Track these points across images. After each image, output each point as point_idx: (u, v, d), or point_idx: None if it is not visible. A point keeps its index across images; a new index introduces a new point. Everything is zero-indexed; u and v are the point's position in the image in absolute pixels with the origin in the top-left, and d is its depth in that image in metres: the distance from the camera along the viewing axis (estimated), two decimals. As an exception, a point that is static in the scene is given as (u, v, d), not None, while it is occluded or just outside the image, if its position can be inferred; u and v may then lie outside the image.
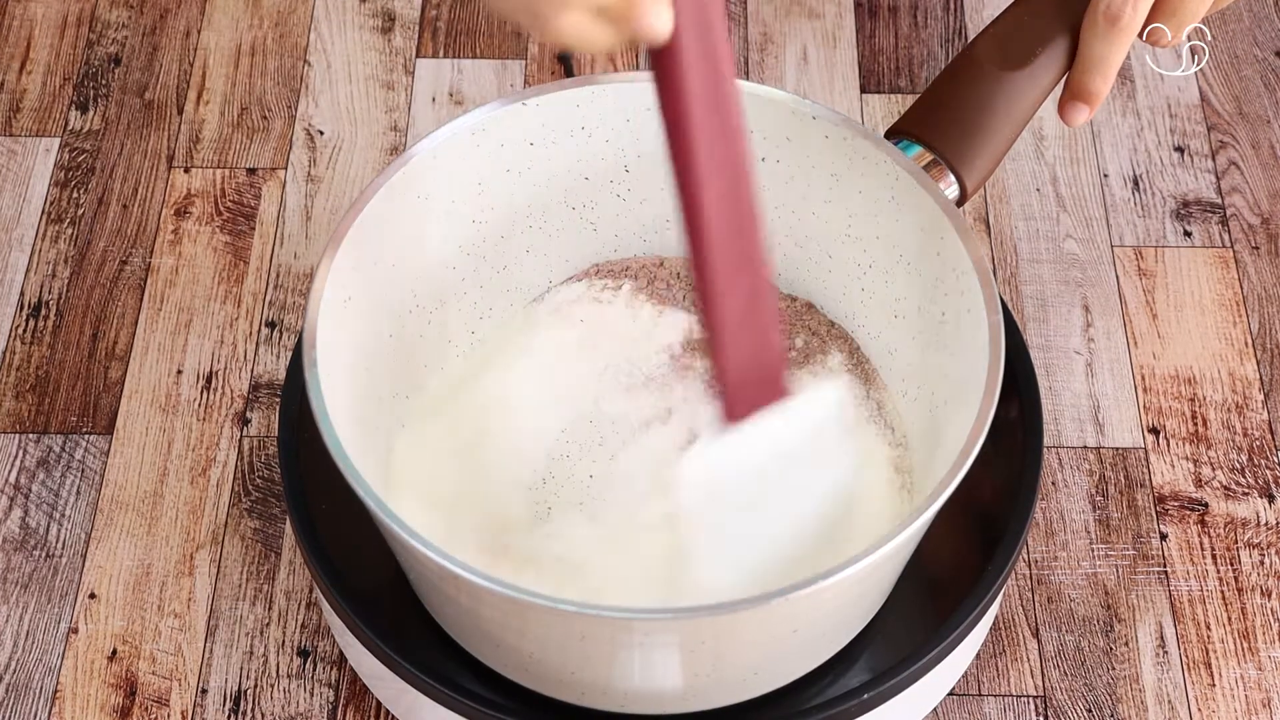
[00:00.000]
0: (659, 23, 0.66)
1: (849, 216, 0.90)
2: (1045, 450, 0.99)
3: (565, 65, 1.17)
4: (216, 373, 1.03)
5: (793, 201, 0.91)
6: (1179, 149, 1.13)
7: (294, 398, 0.88)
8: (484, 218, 0.91)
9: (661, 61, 0.68)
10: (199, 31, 1.19)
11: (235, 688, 0.92)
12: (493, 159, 0.89)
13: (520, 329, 0.93)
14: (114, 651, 0.93)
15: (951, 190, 0.86)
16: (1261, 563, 0.96)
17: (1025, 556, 0.96)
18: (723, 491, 0.77)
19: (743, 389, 0.75)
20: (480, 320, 0.93)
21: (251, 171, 1.12)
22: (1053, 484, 0.99)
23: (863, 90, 1.16)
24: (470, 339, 0.93)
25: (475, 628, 0.81)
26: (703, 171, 0.69)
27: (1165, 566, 0.96)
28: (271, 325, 1.05)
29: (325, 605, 0.89)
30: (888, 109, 1.15)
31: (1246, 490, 0.99)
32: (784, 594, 0.74)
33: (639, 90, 0.89)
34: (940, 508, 0.77)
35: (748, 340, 0.74)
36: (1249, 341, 1.05)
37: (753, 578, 0.79)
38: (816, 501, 0.81)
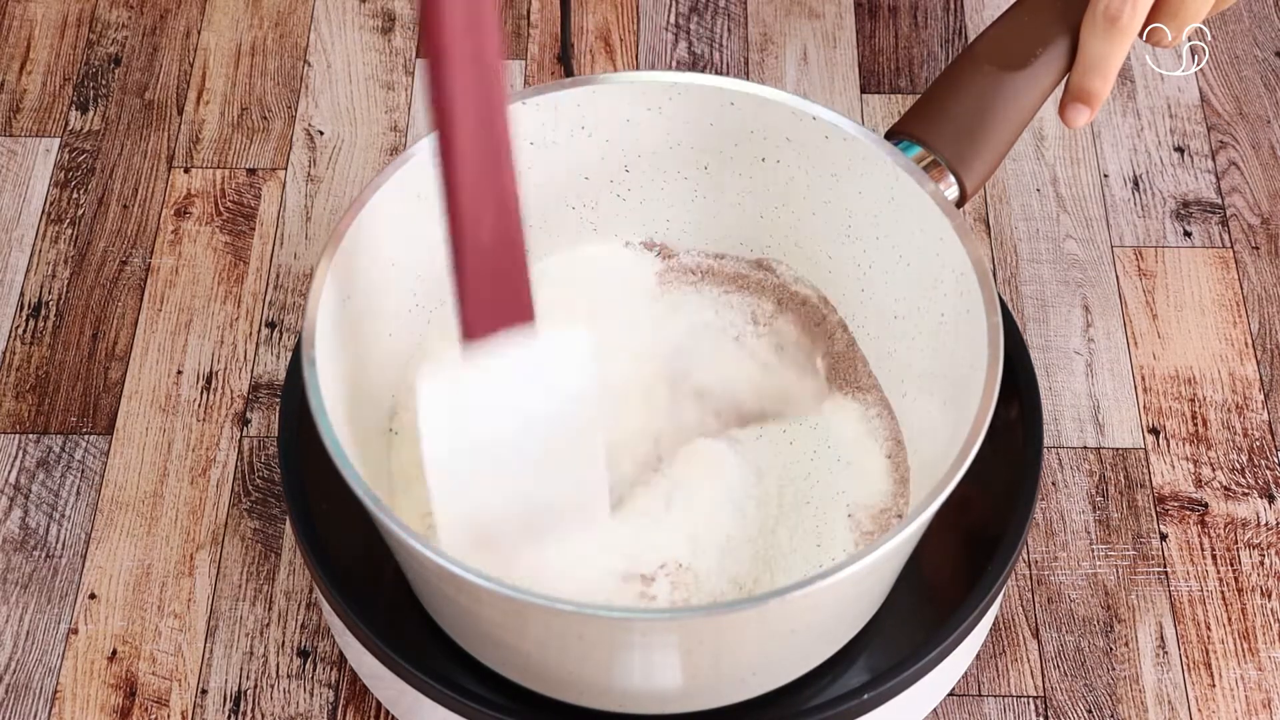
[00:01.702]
0: None
1: (848, 217, 0.90)
2: (1045, 451, 0.99)
3: (565, 65, 1.17)
4: (216, 373, 1.03)
5: (793, 202, 0.91)
6: (1179, 149, 1.13)
7: (294, 398, 0.88)
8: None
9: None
10: (199, 32, 1.19)
11: (235, 688, 0.92)
12: None
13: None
14: (114, 652, 0.93)
15: (951, 191, 0.86)
16: (1261, 563, 0.96)
17: (1025, 557, 0.96)
18: (459, 426, 0.78)
19: (483, 302, 0.75)
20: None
21: (251, 172, 1.12)
22: (1052, 484, 0.99)
23: (863, 90, 1.16)
24: None
25: (474, 628, 0.81)
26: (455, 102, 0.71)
27: (1165, 567, 0.96)
28: (272, 325, 1.05)
29: (325, 605, 0.89)
30: (888, 109, 1.15)
31: (1246, 491, 0.99)
32: (781, 594, 0.74)
33: (639, 90, 0.89)
34: (940, 509, 0.77)
35: (489, 252, 0.74)
36: (1249, 342, 1.05)
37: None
38: (556, 460, 0.80)
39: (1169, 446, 1.00)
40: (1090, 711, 0.91)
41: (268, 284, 1.07)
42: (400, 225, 0.87)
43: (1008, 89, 0.86)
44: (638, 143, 0.91)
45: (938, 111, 0.87)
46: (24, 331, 1.05)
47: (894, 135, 0.87)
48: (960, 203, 0.86)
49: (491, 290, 0.75)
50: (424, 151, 0.86)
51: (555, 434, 0.81)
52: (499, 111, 0.72)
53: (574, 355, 0.79)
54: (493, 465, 0.80)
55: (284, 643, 0.93)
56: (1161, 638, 0.94)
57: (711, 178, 0.92)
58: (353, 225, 0.84)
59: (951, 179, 0.86)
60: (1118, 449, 1.00)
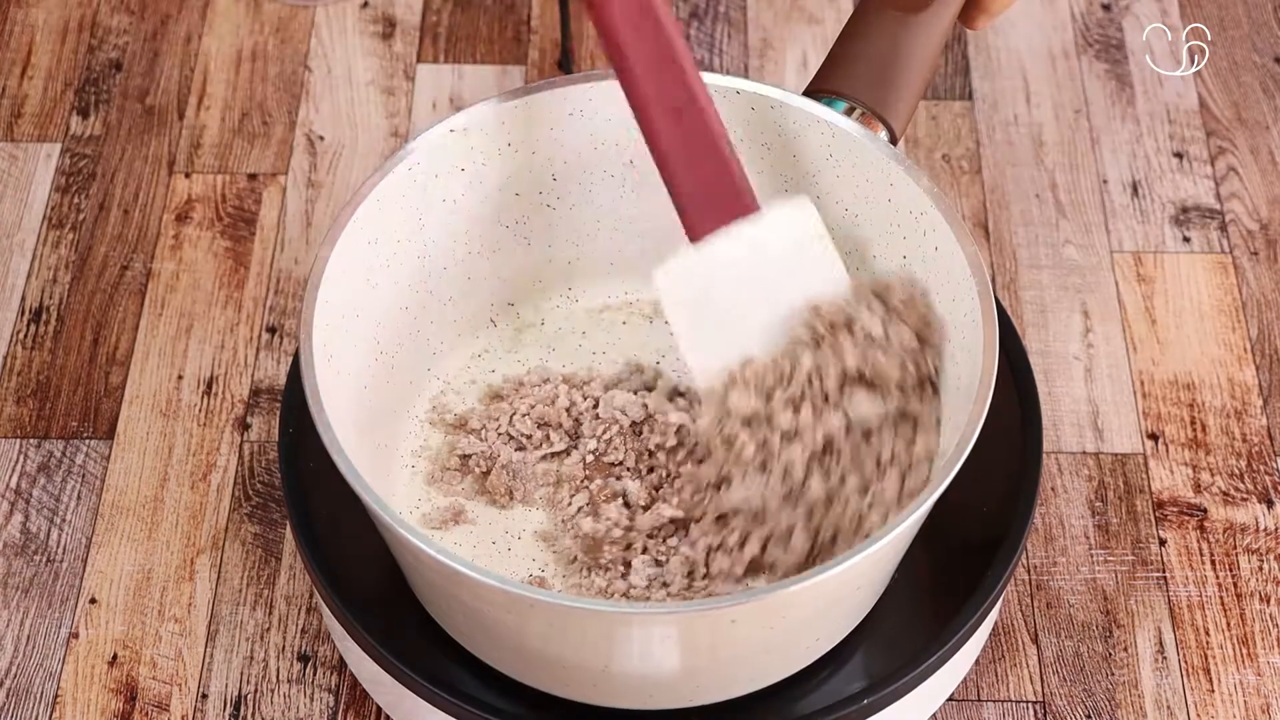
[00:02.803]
0: None
1: (784, 183, 0.90)
2: (1044, 456, 0.99)
3: (566, 71, 1.17)
4: (217, 378, 1.03)
5: None
6: (1178, 155, 1.13)
7: (294, 402, 0.88)
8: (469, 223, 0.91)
9: None
10: (200, 37, 1.19)
11: (235, 693, 0.92)
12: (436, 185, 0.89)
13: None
14: (114, 656, 0.93)
15: (882, 136, 0.87)
16: (1260, 568, 0.96)
17: (1024, 562, 0.96)
18: (704, 299, 0.82)
19: (699, 203, 0.80)
20: (487, 315, 0.94)
21: (252, 177, 1.12)
22: (1052, 489, 0.99)
23: (862, 96, 1.16)
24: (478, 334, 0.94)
25: (475, 625, 0.82)
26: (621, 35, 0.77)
27: (1164, 572, 0.96)
28: (272, 330, 1.05)
29: (325, 610, 0.89)
30: (887, 115, 1.15)
31: (1245, 496, 0.99)
32: (777, 589, 0.74)
33: (560, 97, 0.89)
34: (939, 513, 0.77)
35: (693, 157, 0.80)
36: (1248, 347, 1.05)
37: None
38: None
39: (1168, 452, 1.00)
40: (1089, 717, 0.91)
41: (268, 289, 1.07)
42: (396, 225, 0.87)
43: (914, 31, 0.87)
44: (562, 149, 0.91)
45: (851, 64, 0.88)
46: (25, 336, 1.05)
47: (813, 94, 0.88)
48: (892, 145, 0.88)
49: (705, 193, 0.80)
50: (418, 149, 0.86)
51: (799, 298, 0.84)
52: (671, 35, 0.77)
53: (798, 220, 0.83)
54: (740, 335, 0.83)
55: (284, 647, 0.93)
56: (1160, 643, 0.94)
57: (638, 170, 0.92)
58: (350, 223, 0.84)
59: (880, 125, 0.87)
60: (1117, 454, 1.00)
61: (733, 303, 0.83)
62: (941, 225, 0.84)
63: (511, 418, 0.90)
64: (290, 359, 1.02)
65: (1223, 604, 0.95)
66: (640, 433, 0.89)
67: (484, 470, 0.90)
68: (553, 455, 0.90)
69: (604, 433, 0.89)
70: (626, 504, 0.87)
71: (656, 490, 0.88)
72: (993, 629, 0.94)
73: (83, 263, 1.08)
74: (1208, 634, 0.94)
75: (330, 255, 0.83)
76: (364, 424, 0.86)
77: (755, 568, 0.83)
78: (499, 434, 0.90)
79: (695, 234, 0.82)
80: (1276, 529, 0.98)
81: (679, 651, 0.79)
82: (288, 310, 1.06)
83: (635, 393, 0.91)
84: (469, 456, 0.90)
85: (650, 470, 0.88)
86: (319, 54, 1.18)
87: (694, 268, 0.83)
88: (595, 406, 0.90)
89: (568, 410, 0.90)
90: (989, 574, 0.85)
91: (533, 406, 0.91)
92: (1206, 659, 0.93)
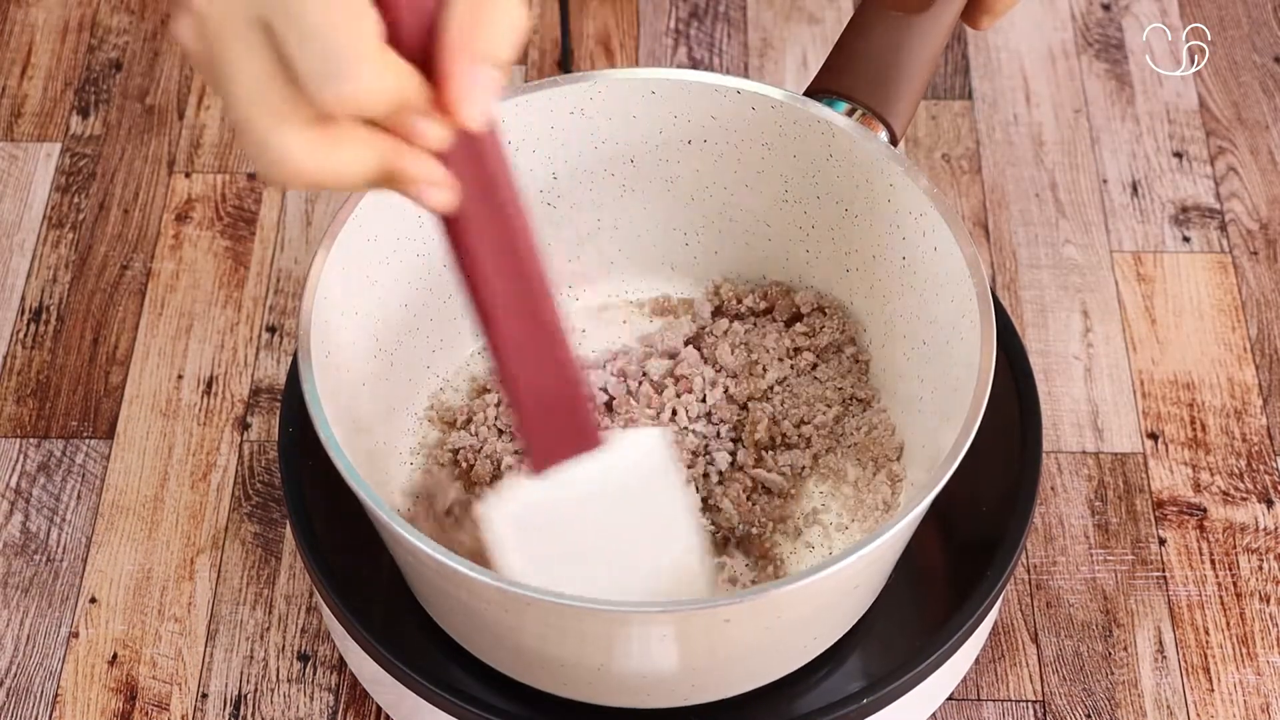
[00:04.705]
0: (438, 201, 0.65)
1: (784, 182, 0.90)
2: (1044, 455, 0.99)
3: (565, 71, 1.17)
4: (217, 377, 1.03)
5: (723, 179, 0.92)
6: (1178, 154, 1.13)
7: (294, 401, 0.88)
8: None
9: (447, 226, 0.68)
10: (200, 37, 1.19)
11: (235, 692, 0.92)
12: None
13: None
14: (114, 656, 0.93)
15: (882, 137, 0.87)
16: (1260, 568, 0.96)
17: (1024, 562, 0.96)
18: (535, 539, 0.76)
19: (546, 440, 0.73)
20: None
21: (252, 176, 1.12)
22: (1051, 489, 0.99)
23: (862, 96, 1.16)
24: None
25: (474, 624, 0.82)
26: (487, 298, 0.69)
27: (1164, 572, 0.96)
28: (272, 330, 1.05)
29: (325, 609, 0.89)
30: (887, 115, 1.15)
31: (1245, 495, 0.99)
32: (772, 589, 0.74)
33: (560, 96, 0.89)
34: (939, 513, 0.77)
35: (545, 399, 0.72)
36: (1248, 347, 1.05)
37: None
38: (649, 549, 0.79)
39: (1168, 451, 1.00)
40: (1089, 716, 0.91)
41: (268, 288, 1.07)
42: (395, 222, 0.87)
43: (915, 31, 0.88)
44: (564, 148, 0.91)
45: (852, 64, 0.88)
46: (25, 336, 1.05)
47: (814, 94, 0.88)
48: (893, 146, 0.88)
49: (555, 433, 0.73)
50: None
51: (643, 531, 0.78)
52: (533, 273, 0.70)
53: (647, 452, 0.77)
54: (579, 574, 0.77)
55: (284, 647, 0.93)
56: (1160, 643, 0.94)
57: (638, 170, 0.92)
58: (349, 221, 0.84)
59: (880, 126, 0.87)
60: (1116, 454, 1.00)
61: (573, 542, 0.77)
62: (941, 226, 0.84)
63: (497, 406, 0.90)
64: (290, 358, 1.02)
65: (1222, 603, 0.95)
66: (612, 408, 0.90)
67: (470, 464, 0.90)
68: None
69: None
70: None
71: None
72: (992, 628, 0.94)
73: (83, 262, 1.08)
74: (1207, 633, 0.94)
75: (329, 253, 0.83)
76: (363, 422, 0.86)
77: None
78: (487, 426, 0.90)
79: (541, 468, 0.74)
80: (1276, 529, 0.98)
81: (675, 650, 0.79)
82: (288, 310, 1.06)
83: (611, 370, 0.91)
84: (458, 450, 0.90)
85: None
86: (319, 54, 1.18)
87: (533, 500, 0.75)
88: None
89: None
90: (989, 573, 0.85)
91: None
92: (1206, 658, 0.93)
